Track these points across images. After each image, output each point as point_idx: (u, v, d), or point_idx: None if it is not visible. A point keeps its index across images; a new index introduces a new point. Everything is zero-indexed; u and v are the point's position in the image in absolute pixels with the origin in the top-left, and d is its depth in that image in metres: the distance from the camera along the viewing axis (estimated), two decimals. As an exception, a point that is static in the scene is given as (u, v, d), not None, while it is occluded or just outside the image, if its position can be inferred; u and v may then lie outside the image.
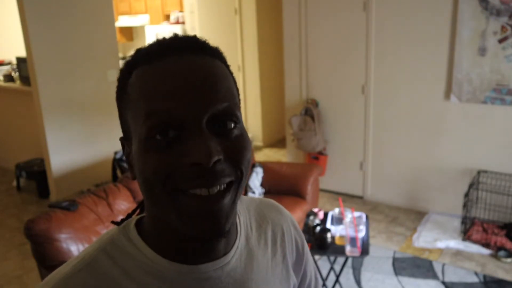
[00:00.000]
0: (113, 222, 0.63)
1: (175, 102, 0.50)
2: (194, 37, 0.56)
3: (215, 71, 0.54)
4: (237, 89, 0.58)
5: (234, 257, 0.62)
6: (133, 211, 0.65)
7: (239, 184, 0.55)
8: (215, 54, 0.57)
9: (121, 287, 0.56)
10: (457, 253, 3.19)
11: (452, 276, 2.92)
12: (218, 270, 0.59)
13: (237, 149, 0.54)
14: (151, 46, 0.56)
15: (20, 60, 4.56)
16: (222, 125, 0.53)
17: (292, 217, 0.78)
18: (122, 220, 0.63)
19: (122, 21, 6.66)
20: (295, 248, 0.74)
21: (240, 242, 0.64)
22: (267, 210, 0.74)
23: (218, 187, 0.52)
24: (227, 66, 0.59)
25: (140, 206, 0.66)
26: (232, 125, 0.54)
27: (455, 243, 3.30)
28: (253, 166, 3.34)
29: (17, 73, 4.80)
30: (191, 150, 0.50)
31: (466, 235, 3.36)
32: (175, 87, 0.51)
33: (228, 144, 0.53)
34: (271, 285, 0.67)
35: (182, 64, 0.52)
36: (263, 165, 3.41)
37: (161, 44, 0.55)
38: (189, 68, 0.52)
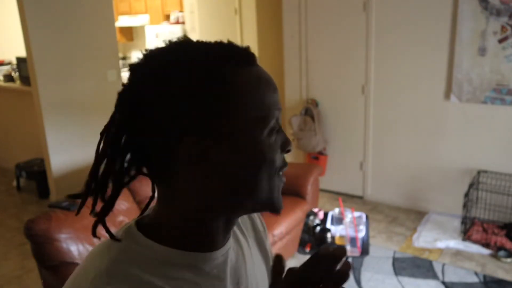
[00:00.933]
0: (112, 239, 0.63)
1: (277, 105, 0.62)
2: (249, 48, 0.64)
3: None
4: None
5: (230, 244, 0.67)
6: (143, 211, 0.67)
7: None
8: None
9: (154, 285, 0.56)
10: (457, 253, 3.19)
11: (452, 276, 2.92)
12: (224, 255, 0.65)
13: None
14: (227, 48, 0.62)
15: (20, 60, 4.55)
16: None
17: None
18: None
19: (122, 21, 6.66)
20: (263, 229, 0.81)
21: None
22: None
23: None
24: None
25: (145, 210, 0.67)
26: None
27: (455, 243, 3.30)
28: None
29: (17, 73, 4.80)
30: (286, 141, 0.63)
31: (466, 235, 3.36)
32: (273, 91, 0.62)
33: None
34: (256, 269, 0.73)
35: (264, 72, 0.63)
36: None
37: (237, 49, 0.62)
38: (269, 76, 0.63)
